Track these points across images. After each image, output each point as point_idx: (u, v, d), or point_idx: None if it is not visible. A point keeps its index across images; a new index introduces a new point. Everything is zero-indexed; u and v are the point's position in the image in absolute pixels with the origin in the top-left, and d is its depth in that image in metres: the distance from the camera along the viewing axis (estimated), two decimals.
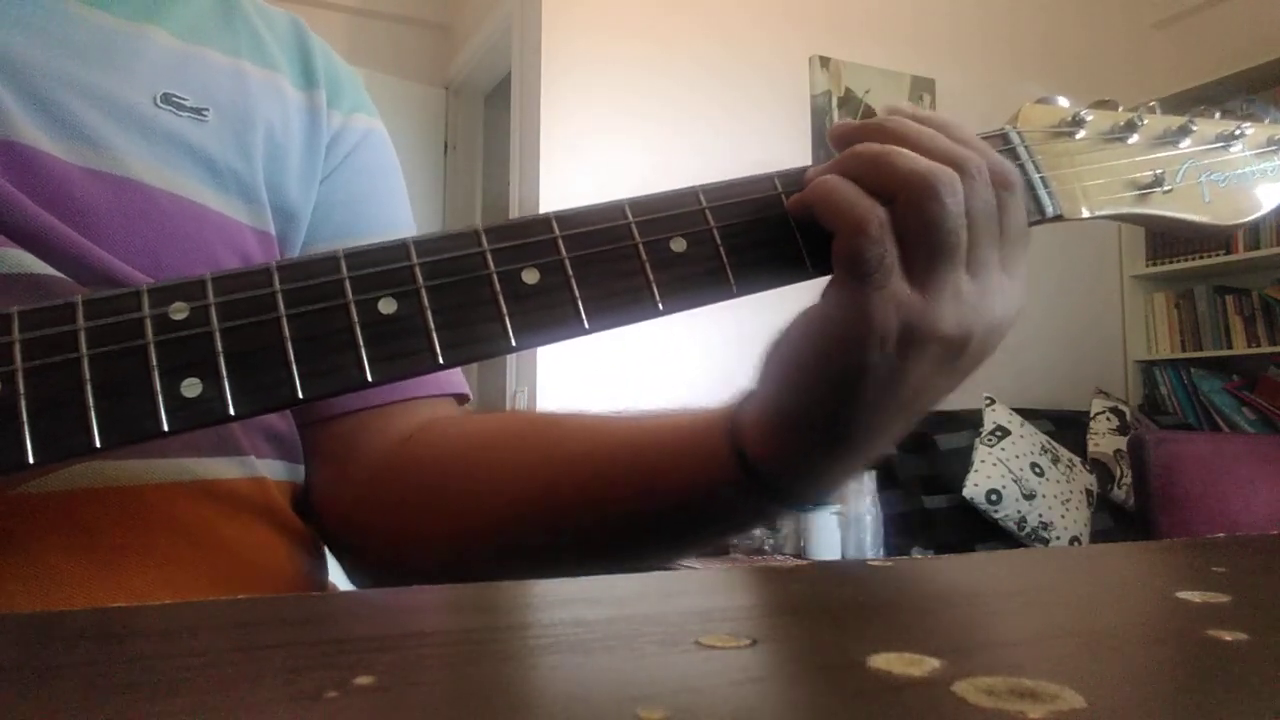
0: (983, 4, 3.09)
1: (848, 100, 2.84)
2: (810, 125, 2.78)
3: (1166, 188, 0.43)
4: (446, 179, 3.50)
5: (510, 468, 0.48)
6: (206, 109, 0.48)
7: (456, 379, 0.56)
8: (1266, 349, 2.88)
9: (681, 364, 2.43)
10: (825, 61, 2.82)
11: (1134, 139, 0.44)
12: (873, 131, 0.37)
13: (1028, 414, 2.62)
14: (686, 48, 2.64)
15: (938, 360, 0.36)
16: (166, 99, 0.47)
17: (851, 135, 0.38)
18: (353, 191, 0.55)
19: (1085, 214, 0.42)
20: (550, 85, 2.51)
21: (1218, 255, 2.97)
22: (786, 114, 2.74)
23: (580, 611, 0.26)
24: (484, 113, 3.60)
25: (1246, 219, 0.44)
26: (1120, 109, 0.45)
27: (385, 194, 0.58)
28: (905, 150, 0.35)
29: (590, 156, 2.47)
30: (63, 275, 0.40)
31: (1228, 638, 0.20)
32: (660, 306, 0.34)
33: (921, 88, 2.95)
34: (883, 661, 0.18)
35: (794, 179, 0.37)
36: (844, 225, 0.34)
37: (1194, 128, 0.44)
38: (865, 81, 2.88)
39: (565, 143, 2.50)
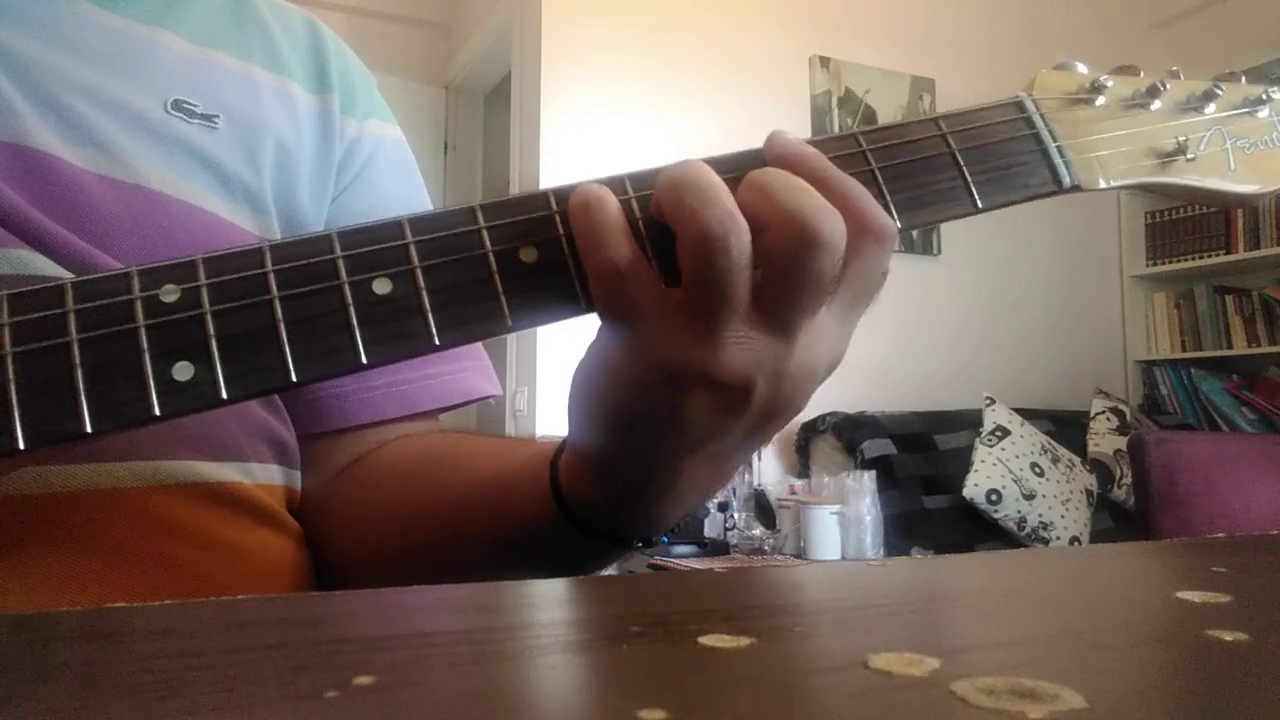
0: (983, 4, 3.09)
1: (848, 100, 2.85)
2: (810, 125, 2.78)
3: (1190, 155, 0.41)
4: (446, 179, 3.50)
5: (403, 500, 0.49)
6: (217, 115, 0.48)
7: (472, 384, 0.55)
8: (1266, 349, 2.88)
9: None
10: (825, 61, 2.82)
11: (1157, 105, 0.42)
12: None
13: (1028, 414, 2.63)
14: (686, 48, 2.65)
15: (716, 405, 0.33)
16: (177, 105, 0.47)
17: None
18: (371, 204, 0.55)
19: (1103, 184, 0.40)
20: (550, 85, 2.51)
21: (1218, 255, 2.97)
22: (786, 114, 2.74)
23: (580, 611, 0.26)
24: (484, 113, 3.60)
25: (1273, 187, 0.42)
26: (1142, 74, 0.43)
27: (405, 204, 0.57)
28: (705, 191, 0.31)
29: (590, 156, 2.47)
30: (72, 276, 0.40)
31: (1228, 638, 0.20)
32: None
33: (921, 88, 2.96)
34: (883, 661, 0.18)
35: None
36: (588, 265, 0.32)
37: (1220, 92, 0.42)
38: (865, 81, 2.88)
39: (565, 142, 2.50)
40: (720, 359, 0.32)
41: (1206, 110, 0.42)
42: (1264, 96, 0.43)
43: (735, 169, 0.34)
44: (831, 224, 0.31)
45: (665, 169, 0.33)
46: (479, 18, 3.20)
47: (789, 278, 0.31)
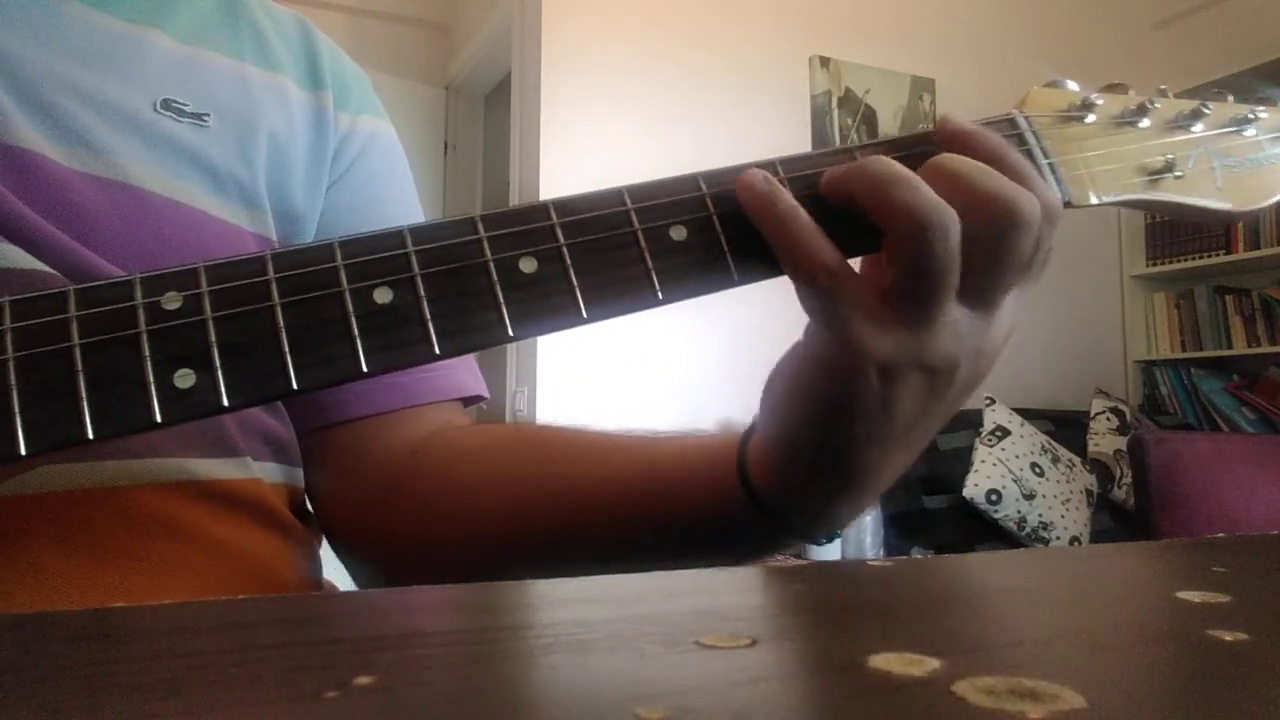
0: (983, 5, 3.09)
1: (848, 100, 2.84)
2: (810, 125, 2.78)
3: (1178, 173, 0.42)
4: (446, 179, 3.49)
5: (519, 484, 0.48)
6: (207, 114, 0.48)
7: (466, 380, 0.55)
8: (1266, 349, 2.88)
9: (681, 364, 2.43)
10: (825, 61, 2.82)
11: (1145, 123, 0.43)
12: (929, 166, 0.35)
13: (1028, 414, 2.62)
14: (687, 48, 2.64)
15: (926, 390, 0.35)
16: (166, 105, 0.47)
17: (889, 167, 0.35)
18: (361, 198, 0.55)
19: (1094, 200, 0.41)
20: (550, 85, 2.51)
21: (1218, 255, 2.97)
22: (787, 114, 2.74)
23: (580, 611, 0.26)
24: (484, 112, 3.60)
25: (1259, 205, 0.43)
26: (1131, 92, 0.43)
27: (394, 198, 0.58)
28: (913, 184, 0.33)
29: (590, 156, 2.47)
30: (59, 274, 0.40)
31: (1228, 638, 0.20)
32: (660, 295, 0.33)
33: (921, 88, 2.95)
34: (883, 661, 0.18)
35: (797, 166, 0.37)
36: (794, 270, 0.34)
37: (1207, 111, 0.43)
38: (865, 81, 2.87)
39: (565, 142, 2.50)
40: (934, 344, 0.34)
41: (1194, 129, 0.43)
42: (1250, 116, 0.44)
43: (901, 154, 0.36)
44: (1031, 205, 0.33)
45: (853, 165, 0.34)
46: (479, 18, 3.20)
47: (994, 259, 0.33)
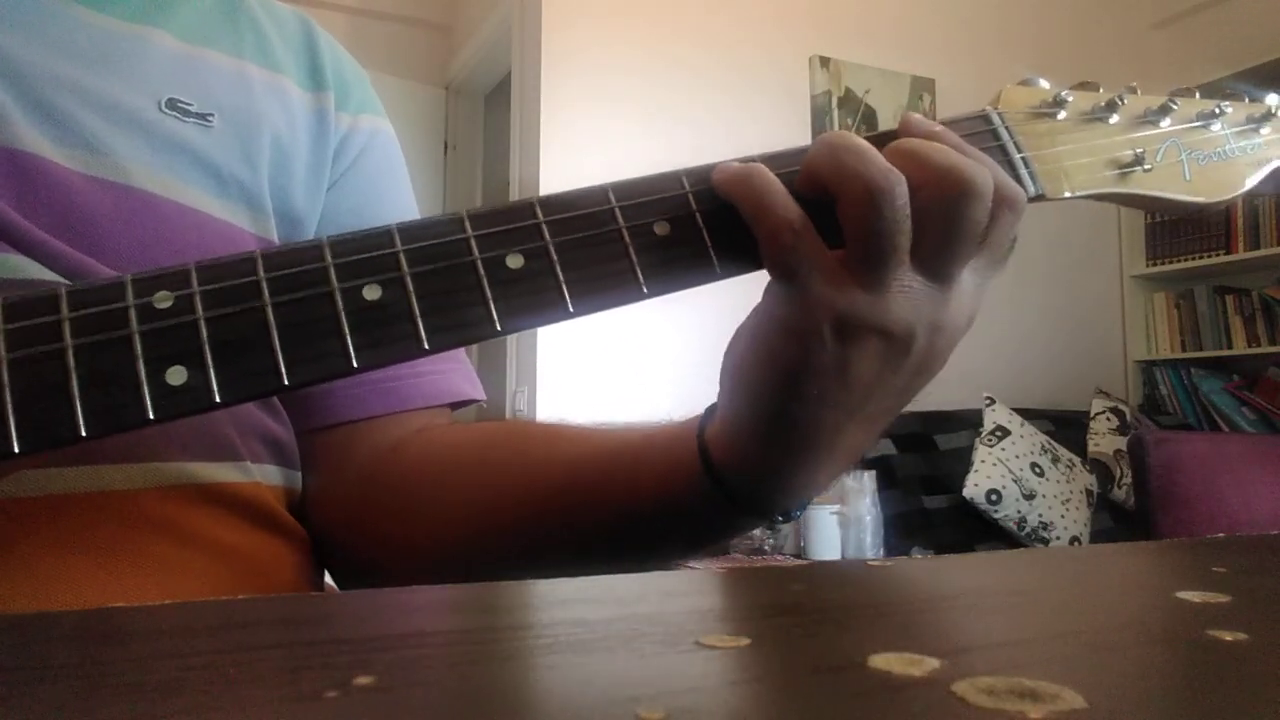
0: (983, 5, 3.09)
1: (848, 100, 2.84)
2: (810, 125, 2.77)
3: (1147, 166, 0.43)
4: (446, 179, 3.49)
5: (487, 476, 0.48)
6: (211, 114, 0.48)
7: (461, 385, 0.56)
8: (1266, 349, 2.88)
9: (681, 364, 2.43)
10: (825, 61, 2.82)
11: (1115, 119, 0.44)
12: (890, 147, 0.37)
13: (1028, 414, 2.62)
14: (687, 48, 2.64)
15: (882, 356, 0.36)
16: (171, 104, 0.47)
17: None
18: (362, 197, 0.55)
19: (1067, 193, 0.42)
20: (550, 85, 2.51)
21: (1218, 255, 2.97)
22: (787, 114, 2.74)
23: (580, 611, 0.26)
24: (484, 112, 3.60)
25: (1227, 196, 0.44)
26: (1101, 89, 0.45)
27: (394, 197, 0.58)
28: (864, 152, 0.34)
29: (590, 156, 2.47)
30: (63, 281, 0.40)
31: (1228, 638, 0.20)
32: (644, 289, 0.34)
33: (921, 88, 2.95)
34: (883, 661, 0.18)
35: (783, 162, 0.37)
36: (761, 228, 0.35)
37: (1174, 107, 0.45)
38: (865, 81, 2.87)
39: (565, 142, 2.50)
40: (888, 307, 0.35)
41: (1162, 124, 0.44)
42: (1216, 110, 0.45)
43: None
44: (984, 176, 0.35)
45: (816, 140, 0.36)
46: (479, 18, 3.20)
47: (947, 227, 0.34)
